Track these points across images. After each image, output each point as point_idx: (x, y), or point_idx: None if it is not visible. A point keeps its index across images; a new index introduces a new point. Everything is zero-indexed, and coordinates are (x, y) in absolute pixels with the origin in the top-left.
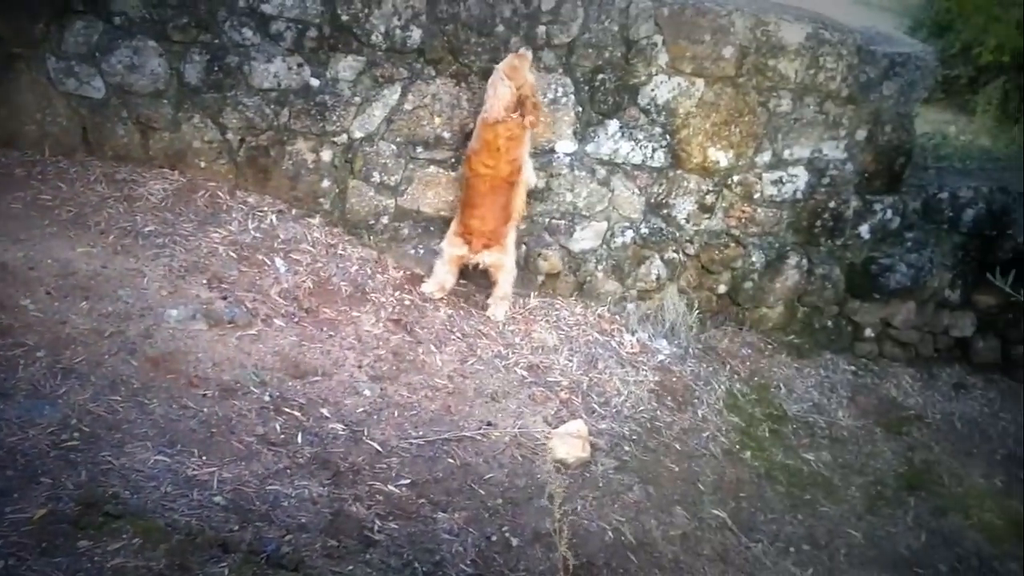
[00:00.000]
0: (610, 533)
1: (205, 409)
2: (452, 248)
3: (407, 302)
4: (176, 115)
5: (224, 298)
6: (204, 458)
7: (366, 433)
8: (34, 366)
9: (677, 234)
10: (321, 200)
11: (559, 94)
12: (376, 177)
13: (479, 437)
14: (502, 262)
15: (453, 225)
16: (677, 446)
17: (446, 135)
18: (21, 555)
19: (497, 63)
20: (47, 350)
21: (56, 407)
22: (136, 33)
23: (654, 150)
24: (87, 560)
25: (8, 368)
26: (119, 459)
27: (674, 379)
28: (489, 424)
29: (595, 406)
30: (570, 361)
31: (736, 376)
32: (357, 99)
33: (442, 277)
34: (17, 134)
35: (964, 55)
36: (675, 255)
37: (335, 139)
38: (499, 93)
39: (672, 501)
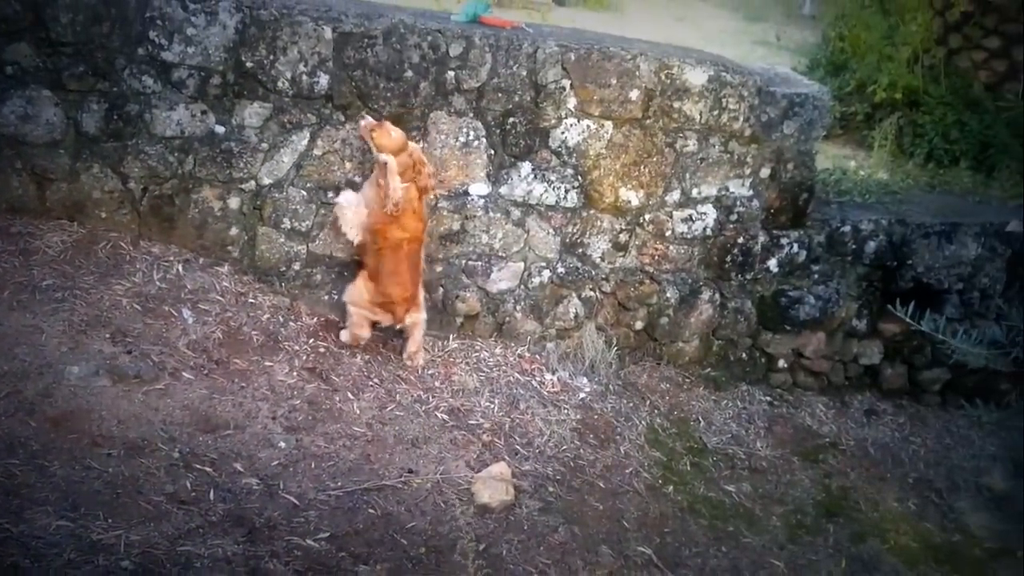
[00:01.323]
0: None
1: (110, 469)
2: (374, 316)
3: (322, 349)
4: (74, 165)
5: (129, 352)
6: (110, 521)
7: (282, 487)
8: None
9: (593, 272)
10: (229, 248)
11: (471, 137)
12: (286, 223)
13: (400, 485)
14: (419, 319)
15: (366, 294)
16: (601, 484)
17: (358, 179)
18: None
19: (408, 107)
20: None
21: None
22: (29, 82)
23: (567, 191)
24: None
25: None
26: (18, 526)
27: (596, 416)
28: (410, 471)
29: (518, 447)
30: (491, 403)
31: (656, 411)
32: (264, 145)
33: (360, 332)
34: None
35: (860, 92)
36: (592, 293)
37: (243, 186)
38: (392, 183)
39: (598, 540)
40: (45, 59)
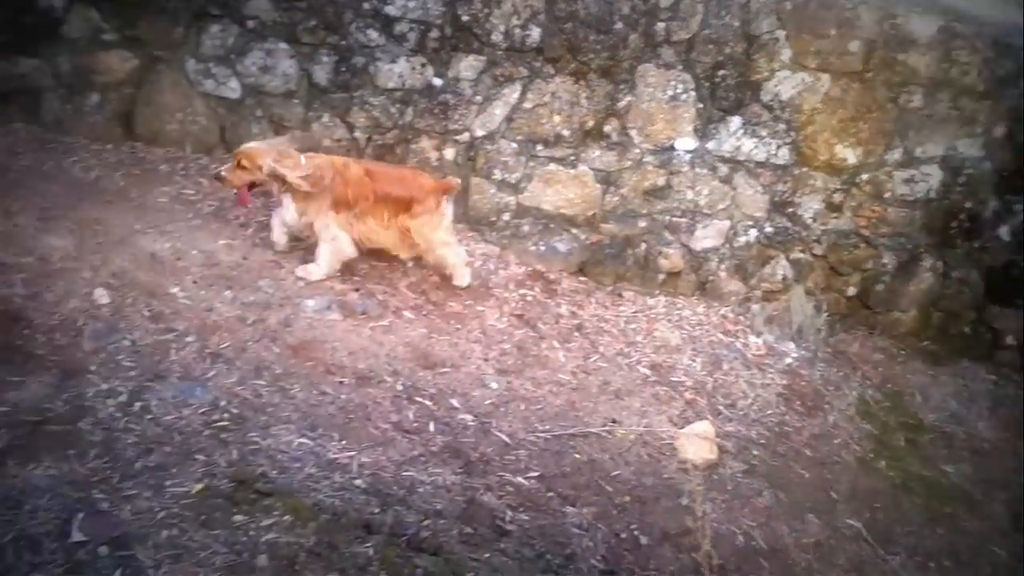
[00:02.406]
0: (740, 537)
1: (342, 396)
2: None
3: (529, 298)
4: (307, 114)
5: (357, 290)
6: (344, 442)
7: (494, 425)
8: (185, 350)
9: (803, 233)
10: None
11: (679, 90)
12: (497, 175)
13: (604, 434)
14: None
15: None
16: (807, 452)
17: (565, 133)
18: (182, 526)
19: (616, 60)
20: (196, 335)
21: (207, 389)
22: (268, 36)
23: (778, 147)
24: (243, 534)
25: (162, 351)
26: (266, 440)
27: (802, 383)
28: (614, 421)
29: (721, 408)
30: (693, 361)
31: (868, 382)
32: (478, 98)
33: None
34: (160, 132)
35: None
36: (801, 255)
37: (457, 137)
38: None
39: (804, 508)
40: (282, 13)
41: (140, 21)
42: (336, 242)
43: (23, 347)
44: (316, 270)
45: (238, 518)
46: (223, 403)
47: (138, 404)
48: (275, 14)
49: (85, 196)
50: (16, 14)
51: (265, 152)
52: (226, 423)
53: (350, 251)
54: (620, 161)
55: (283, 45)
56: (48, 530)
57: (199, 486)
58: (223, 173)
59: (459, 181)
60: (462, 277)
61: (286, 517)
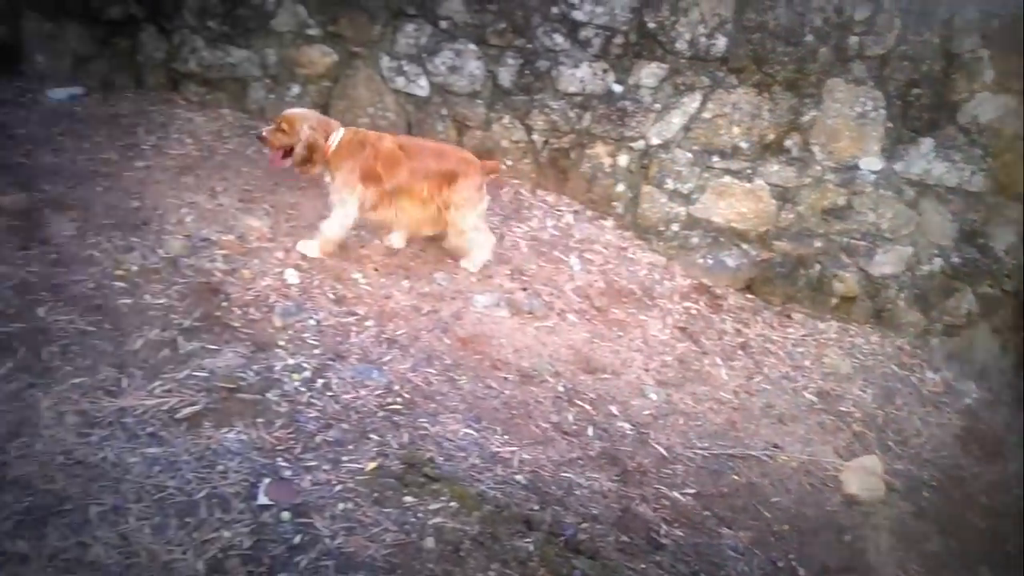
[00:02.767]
0: None
1: (506, 391)
2: None
3: (693, 311)
4: (488, 115)
5: (524, 289)
6: (506, 437)
7: (652, 436)
8: (364, 334)
9: (993, 266)
10: (615, 203)
11: (868, 108)
12: (669, 184)
13: (765, 458)
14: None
15: None
16: (983, 500)
17: (743, 145)
18: (357, 501)
19: (803, 73)
20: (374, 320)
21: (382, 373)
22: (459, 37)
23: (972, 173)
24: (412, 515)
25: (343, 333)
26: (434, 427)
27: (982, 426)
28: (776, 446)
29: (891, 444)
30: (864, 392)
31: None
32: (657, 106)
33: None
34: (351, 124)
35: None
36: (990, 289)
37: (632, 144)
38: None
39: (976, 560)
40: (473, 15)
41: (342, 18)
42: (345, 209)
43: (221, 318)
44: (314, 246)
45: (408, 499)
46: (396, 387)
47: (320, 381)
48: (467, 16)
49: (282, 182)
50: (233, 7)
51: (305, 119)
52: (398, 407)
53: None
54: (799, 177)
55: (472, 46)
56: (237, 491)
57: (372, 464)
58: (264, 133)
59: (502, 164)
60: (476, 262)
61: (452, 504)
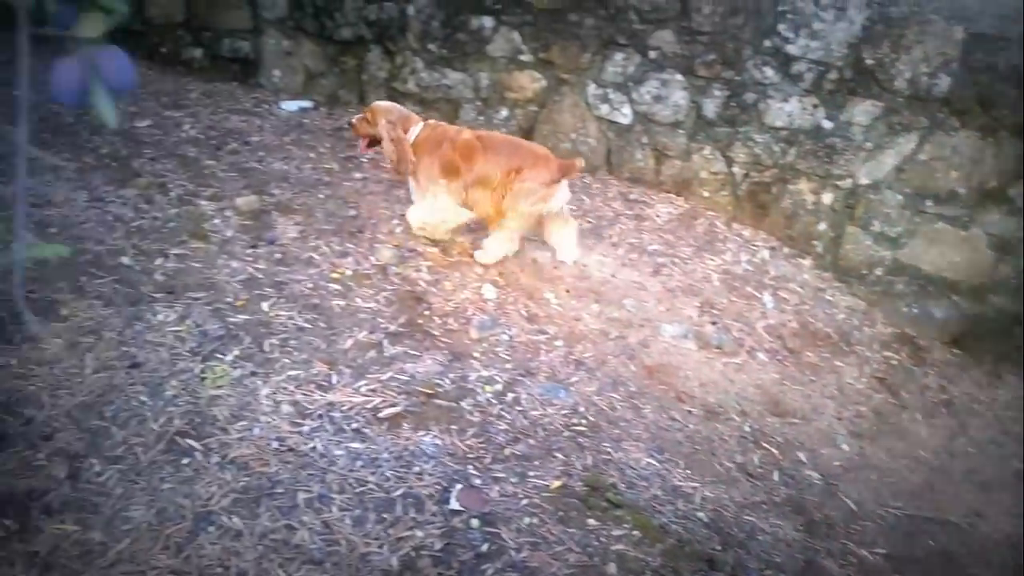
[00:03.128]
0: None
1: (690, 425)
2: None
3: (894, 362)
4: (689, 145)
5: (713, 323)
6: (688, 472)
7: (841, 488)
8: (553, 353)
9: None
10: (815, 242)
11: None
12: (876, 226)
13: (966, 526)
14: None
15: None
16: None
17: (961, 191)
18: (542, 517)
19: None
20: (564, 341)
21: (569, 393)
22: (666, 67)
23: None
24: (595, 538)
25: (533, 350)
26: (617, 453)
27: None
28: (978, 515)
29: None
30: None
31: None
32: (868, 145)
33: None
34: (555, 149)
35: None
36: None
37: (838, 183)
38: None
39: None
40: (683, 46)
41: (554, 46)
42: (437, 199)
43: (422, 326)
44: (487, 254)
45: (591, 522)
46: (582, 409)
47: (510, 395)
48: (677, 46)
49: None
50: (453, 32)
51: (387, 112)
52: (583, 428)
53: (455, 216)
54: (1021, 229)
55: (679, 76)
56: (430, 493)
57: (557, 483)
58: (353, 121)
59: (583, 163)
60: (570, 252)
61: (635, 532)
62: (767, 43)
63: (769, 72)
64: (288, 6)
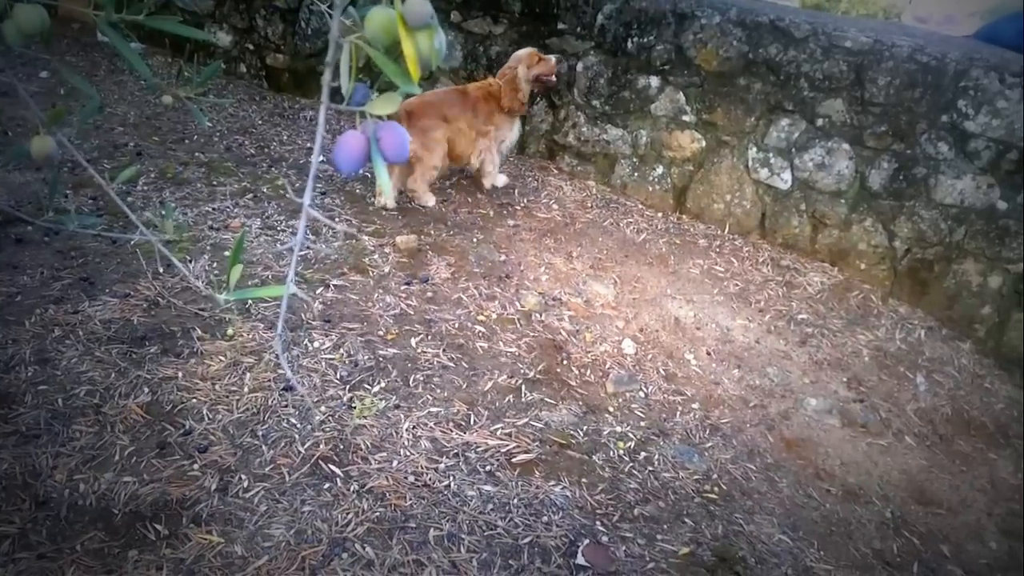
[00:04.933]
0: None
1: (827, 504)
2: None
3: None
4: (849, 216)
5: (860, 401)
6: (822, 553)
7: None
8: (688, 415)
9: None
10: (976, 325)
11: None
12: None
13: None
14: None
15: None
16: None
17: None
18: None
19: None
20: (700, 404)
21: (703, 458)
22: (834, 135)
23: None
24: None
25: (669, 411)
26: (748, 525)
27: None
28: None
29: None
30: None
31: None
32: None
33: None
34: (707, 210)
35: None
36: None
37: (1009, 266)
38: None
39: None
40: (854, 116)
41: (719, 108)
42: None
43: (560, 375)
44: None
45: None
46: (715, 476)
47: (643, 454)
48: (846, 115)
49: (631, 254)
50: (619, 90)
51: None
52: (715, 496)
53: None
54: None
55: (845, 146)
56: (557, 544)
57: (685, 550)
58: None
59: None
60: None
61: None
62: (943, 118)
63: (943, 147)
64: (463, 58)
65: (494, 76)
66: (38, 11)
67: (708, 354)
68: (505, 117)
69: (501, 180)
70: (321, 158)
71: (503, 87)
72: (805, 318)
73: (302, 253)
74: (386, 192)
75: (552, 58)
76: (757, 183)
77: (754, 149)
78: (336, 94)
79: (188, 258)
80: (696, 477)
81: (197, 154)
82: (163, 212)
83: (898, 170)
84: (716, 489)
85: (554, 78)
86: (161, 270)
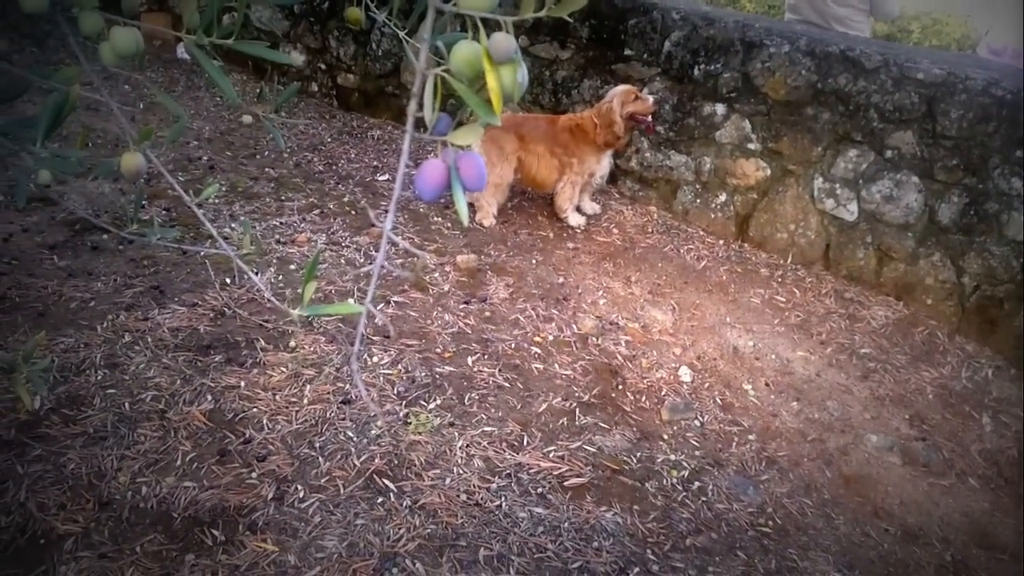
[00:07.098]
0: None
1: (885, 544)
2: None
3: None
4: (916, 249)
5: (923, 439)
6: None
7: None
8: (744, 447)
9: None
10: None
11: None
12: None
13: None
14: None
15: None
16: None
17: None
18: None
19: None
20: (757, 435)
21: (758, 491)
22: (903, 167)
23: None
24: None
25: (724, 441)
26: (803, 561)
27: None
28: None
29: None
30: None
31: None
32: None
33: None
34: (769, 239)
35: None
36: None
37: None
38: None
39: None
40: (924, 148)
41: (785, 137)
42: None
43: (615, 400)
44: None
45: None
46: (769, 509)
47: (697, 483)
48: (916, 148)
49: (691, 280)
50: (684, 116)
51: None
52: (769, 530)
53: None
54: None
55: (914, 178)
56: (607, 571)
57: None
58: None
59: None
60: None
61: None
62: (1018, 153)
63: (1017, 183)
64: (529, 82)
65: (565, 108)
66: (134, 34)
67: (767, 385)
68: (591, 150)
69: (575, 220)
70: (385, 175)
71: (599, 120)
72: (868, 352)
73: (366, 271)
74: (463, 218)
75: (650, 98)
76: (822, 213)
77: (820, 179)
78: (419, 123)
79: (255, 270)
80: (750, 510)
81: (267, 169)
82: (241, 228)
83: (969, 205)
84: (771, 523)
85: (651, 119)
86: (228, 281)
